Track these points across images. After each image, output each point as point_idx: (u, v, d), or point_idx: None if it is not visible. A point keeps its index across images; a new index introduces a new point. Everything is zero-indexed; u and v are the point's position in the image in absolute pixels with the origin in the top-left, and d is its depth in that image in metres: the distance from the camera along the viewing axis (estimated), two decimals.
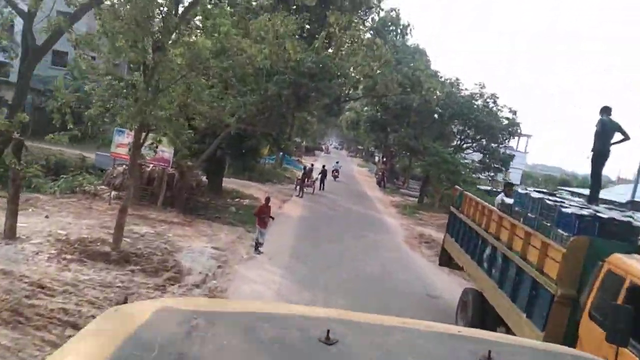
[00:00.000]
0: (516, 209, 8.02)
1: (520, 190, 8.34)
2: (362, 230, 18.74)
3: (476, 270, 8.93)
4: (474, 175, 28.12)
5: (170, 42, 9.42)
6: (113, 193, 15.19)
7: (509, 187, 9.49)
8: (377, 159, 62.78)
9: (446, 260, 11.42)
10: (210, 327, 1.63)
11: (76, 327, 6.72)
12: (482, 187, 27.87)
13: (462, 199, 10.60)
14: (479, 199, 9.62)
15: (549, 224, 6.79)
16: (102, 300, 7.90)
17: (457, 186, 12.70)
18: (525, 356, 1.84)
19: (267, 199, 13.51)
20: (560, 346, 2.23)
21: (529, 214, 7.46)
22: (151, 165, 16.00)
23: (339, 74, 17.39)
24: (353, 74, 20.41)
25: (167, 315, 1.69)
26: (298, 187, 26.08)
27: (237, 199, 20.31)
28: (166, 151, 14.28)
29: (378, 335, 1.78)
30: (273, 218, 13.43)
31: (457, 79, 29.84)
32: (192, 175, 17.13)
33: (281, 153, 34.48)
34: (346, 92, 22.93)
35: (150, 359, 1.39)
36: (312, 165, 32.51)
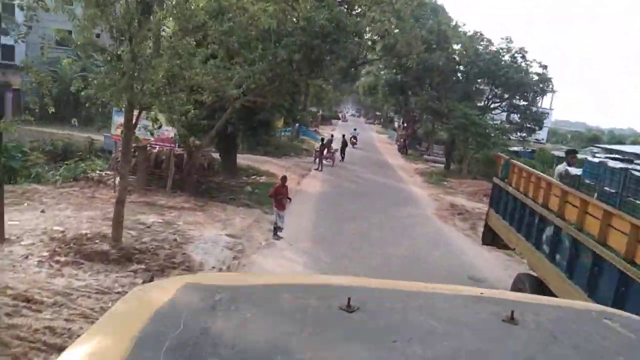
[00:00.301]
0: (586, 181, 6.55)
1: (590, 159, 6.83)
2: (389, 205, 17.37)
3: (533, 254, 7.53)
4: (503, 136, 26.26)
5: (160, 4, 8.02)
6: (118, 179, 14.08)
7: (572, 155, 7.88)
8: (396, 124, 60.88)
9: (491, 238, 10.02)
10: (233, 301, 1.62)
11: (63, 350, 5.62)
12: (511, 149, 26.11)
13: (509, 168, 9.10)
14: (531, 169, 8.12)
15: (639, 202, 5.35)
16: (97, 312, 6.75)
17: (501, 153, 11.12)
18: (549, 314, 1.78)
19: (284, 179, 12.15)
20: (584, 302, 2.23)
21: (607, 188, 6.00)
22: (157, 147, 14.80)
23: (354, 32, 15.61)
24: (370, 33, 18.49)
25: (191, 291, 1.69)
26: (317, 160, 24.71)
27: (253, 177, 19.09)
28: (170, 131, 12.99)
29: (400, 300, 1.75)
30: (290, 199, 12.14)
31: (481, 34, 27.55)
32: (202, 154, 15.87)
33: (297, 124, 32.99)
34: (363, 53, 20.99)
35: (176, 335, 1.37)
36: (332, 135, 30.95)
